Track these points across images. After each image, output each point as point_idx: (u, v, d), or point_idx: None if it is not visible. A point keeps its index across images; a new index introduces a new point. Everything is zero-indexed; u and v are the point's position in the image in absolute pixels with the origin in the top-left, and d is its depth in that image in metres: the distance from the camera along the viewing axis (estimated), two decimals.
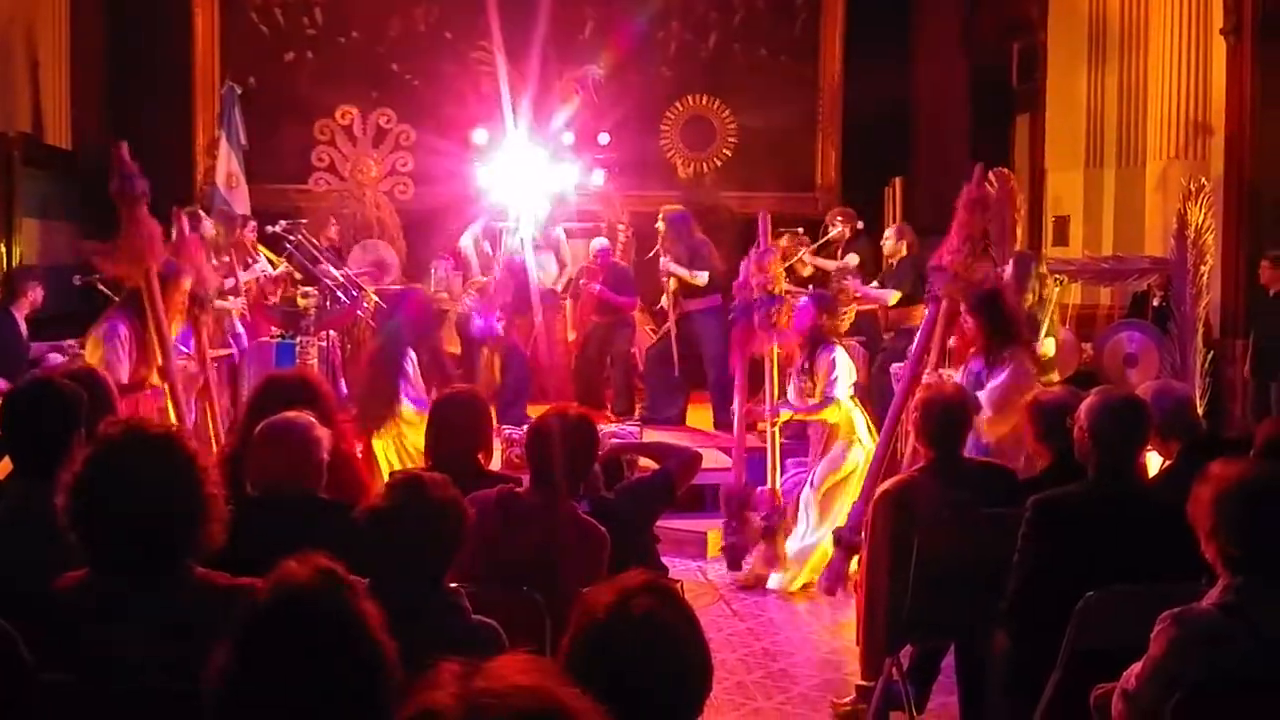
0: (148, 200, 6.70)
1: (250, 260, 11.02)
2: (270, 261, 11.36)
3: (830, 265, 11.06)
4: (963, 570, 4.85)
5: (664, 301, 11.15)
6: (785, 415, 7.88)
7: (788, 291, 9.85)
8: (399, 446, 6.64)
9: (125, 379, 6.35)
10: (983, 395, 6.51)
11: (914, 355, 7.20)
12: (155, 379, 6.57)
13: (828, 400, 7.66)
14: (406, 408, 6.77)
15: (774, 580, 7.77)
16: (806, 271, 11.26)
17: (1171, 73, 11.61)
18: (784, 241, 10.92)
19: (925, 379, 6.77)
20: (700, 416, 11.22)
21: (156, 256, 6.53)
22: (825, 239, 11.42)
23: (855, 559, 6.89)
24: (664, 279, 10.99)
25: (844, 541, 7.01)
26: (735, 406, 8.12)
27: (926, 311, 7.24)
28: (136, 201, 6.51)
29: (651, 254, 11.32)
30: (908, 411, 6.85)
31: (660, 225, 10.93)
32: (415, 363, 6.98)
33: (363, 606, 2.29)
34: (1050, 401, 5.14)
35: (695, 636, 2.32)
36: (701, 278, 10.72)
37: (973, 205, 6.99)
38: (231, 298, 9.94)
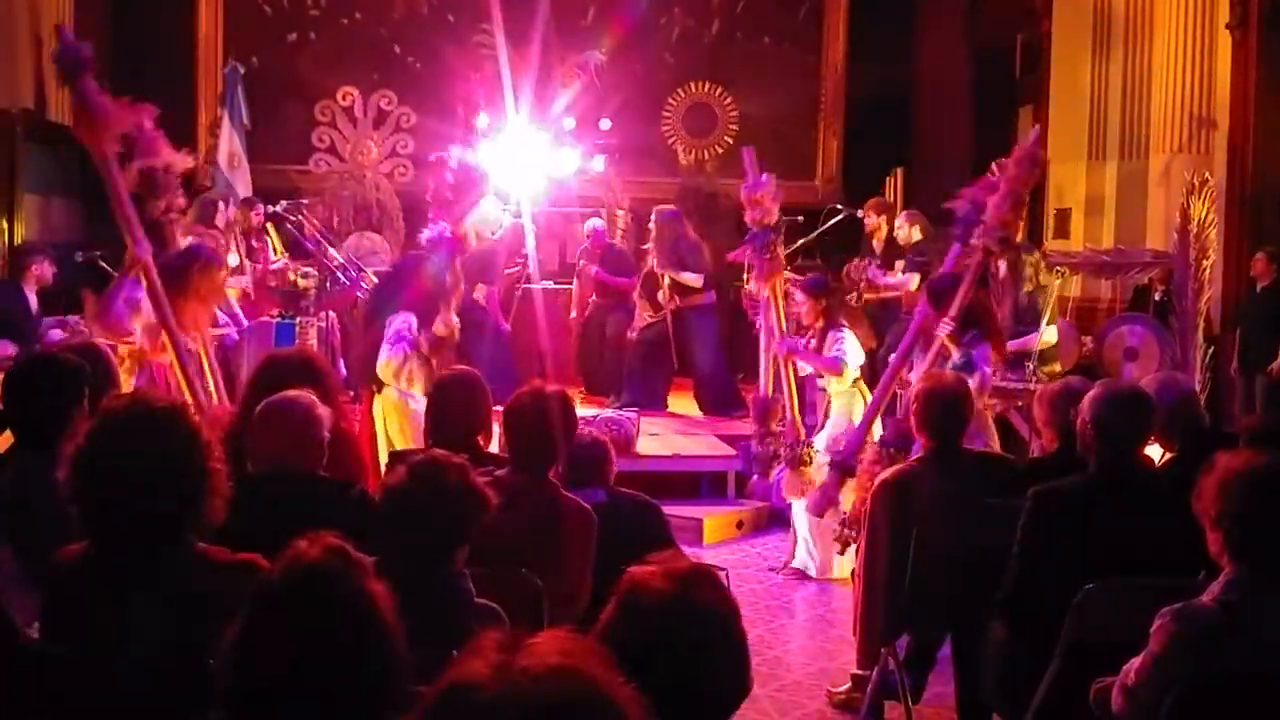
0: (93, 70, 6.41)
1: (258, 244, 11.02)
2: (273, 248, 11.35)
3: (895, 279, 10.80)
4: (961, 560, 4.85)
5: (660, 297, 11.14)
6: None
7: (787, 280, 9.88)
8: (396, 406, 6.56)
9: (136, 340, 6.27)
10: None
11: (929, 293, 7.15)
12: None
13: (838, 361, 7.59)
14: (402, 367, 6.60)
15: (811, 568, 7.77)
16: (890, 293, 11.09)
17: (1176, 66, 11.59)
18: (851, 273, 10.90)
19: (940, 329, 6.79)
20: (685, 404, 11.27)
21: (111, 128, 6.32)
22: (829, 224, 11.40)
23: (847, 484, 6.93)
24: (660, 275, 11.00)
25: (838, 465, 7.02)
26: (761, 335, 8.09)
27: (952, 252, 7.16)
28: (83, 70, 6.28)
29: (646, 246, 11.31)
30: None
31: (652, 227, 10.96)
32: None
33: (372, 586, 2.30)
34: (1060, 390, 5.17)
35: (742, 631, 2.33)
36: (695, 280, 10.76)
37: (1024, 161, 6.94)
38: (234, 277, 9.93)
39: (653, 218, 11.05)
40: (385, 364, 6.45)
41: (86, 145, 6.30)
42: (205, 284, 6.54)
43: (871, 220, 11.16)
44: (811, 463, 7.59)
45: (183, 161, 6.79)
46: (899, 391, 7.09)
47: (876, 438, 6.97)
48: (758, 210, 7.87)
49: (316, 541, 2.32)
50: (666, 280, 10.94)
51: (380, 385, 6.65)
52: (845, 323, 7.92)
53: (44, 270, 9.46)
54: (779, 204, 8.14)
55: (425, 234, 7.14)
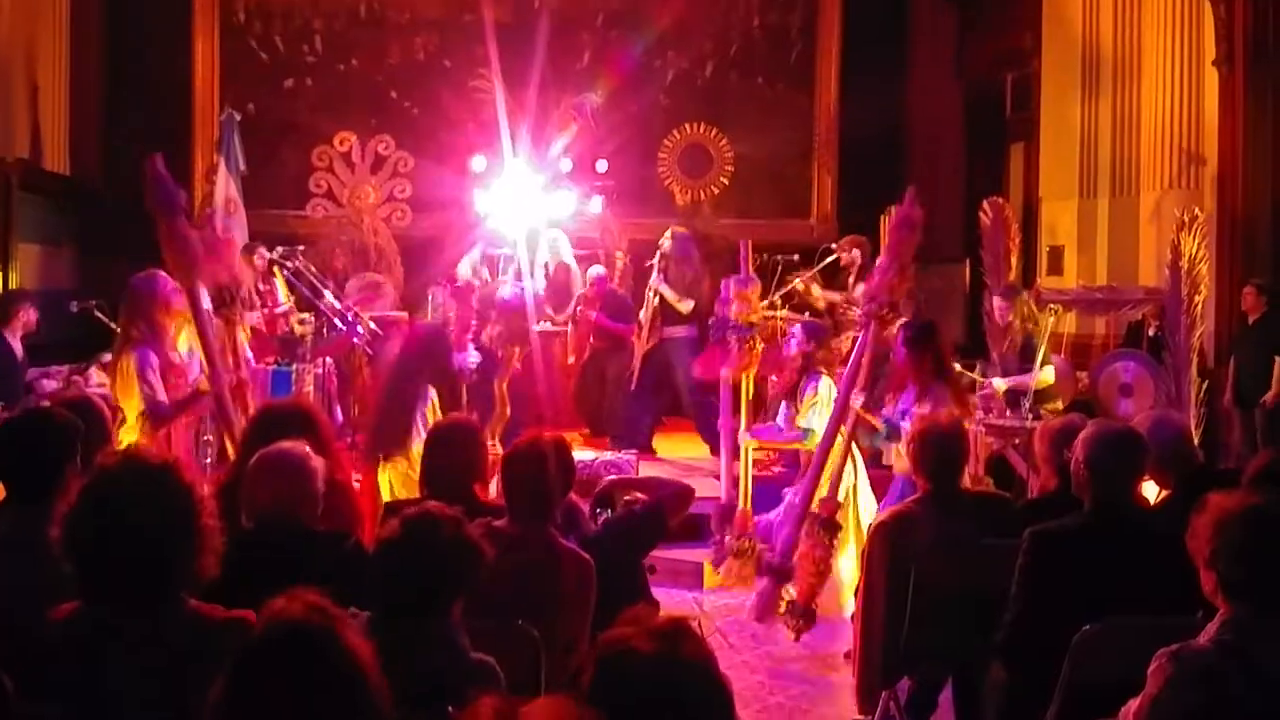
0: (187, 213, 6.57)
1: (264, 287, 11.05)
2: (281, 292, 11.38)
3: (837, 297, 11.02)
4: (960, 602, 4.85)
5: (642, 315, 11.16)
6: (751, 443, 7.87)
7: (786, 319, 9.91)
8: (405, 479, 6.58)
9: (166, 404, 6.30)
10: (906, 424, 6.61)
11: (845, 379, 7.20)
12: (203, 385, 6.46)
13: (802, 436, 7.65)
14: (419, 446, 6.66)
15: None
16: (820, 304, 11.23)
17: (1164, 103, 11.67)
18: (799, 285, 10.95)
19: (852, 401, 6.92)
20: (682, 445, 11.23)
21: (200, 268, 6.41)
22: (824, 264, 11.43)
23: (785, 588, 6.94)
24: (649, 294, 11.02)
25: (774, 569, 7.00)
26: (721, 427, 8.11)
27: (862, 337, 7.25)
28: (176, 214, 6.40)
29: (647, 265, 11.33)
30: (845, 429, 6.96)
31: (664, 243, 10.95)
32: (434, 400, 6.90)
33: (354, 643, 2.29)
34: (1060, 426, 5.19)
35: (724, 678, 2.33)
36: (687, 305, 10.76)
37: (902, 226, 7.01)
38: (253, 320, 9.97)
39: (668, 234, 11.07)
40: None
41: (181, 284, 6.36)
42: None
43: (846, 256, 11.19)
44: (752, 554, 7.63)
45: (250, 277, 6.98)
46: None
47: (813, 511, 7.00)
48: (744, 305, 7.86)
49: (296, 598, 2.32)
50: (655, 299, 10.94)
51: (388, 456, 6.65)
52: (823, 370, 7.95)
53: (29, 317, 9.40)
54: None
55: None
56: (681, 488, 5.20)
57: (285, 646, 2.23)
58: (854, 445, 7.63)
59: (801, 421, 7.75)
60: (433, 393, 6.68)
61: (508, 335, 9.94)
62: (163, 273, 6.57)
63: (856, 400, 6.93)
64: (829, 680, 6.76)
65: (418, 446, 6.55)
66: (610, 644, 2.28)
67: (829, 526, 6.79)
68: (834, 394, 7.68)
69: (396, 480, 6.53)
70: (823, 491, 7.03)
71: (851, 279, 11.15)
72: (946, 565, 5.00)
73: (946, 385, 6.91)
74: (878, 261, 7.05)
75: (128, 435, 6.08)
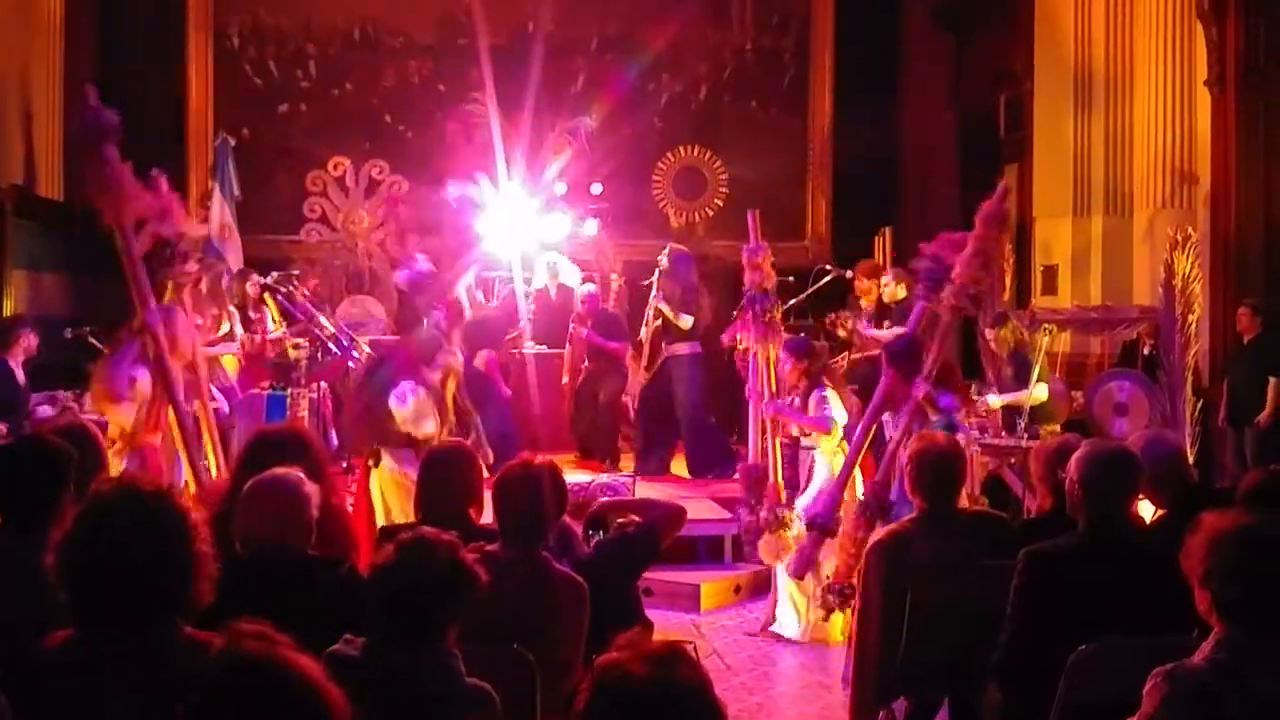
0: (118, 138, 6.37)
1: (256, 314, 11.07)
2: (272, 318, 11.39)
3: (883, 333, 10.90)
4: (957, 622, 4.84)
5: (642, 334, 11.18)
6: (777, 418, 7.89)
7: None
8: (393, 482, 6.58)
9: (129, 421, 6.27)
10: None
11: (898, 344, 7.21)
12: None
13: (825, 419, 7.62)
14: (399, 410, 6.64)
15: (792, 630, 7.73)
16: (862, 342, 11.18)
17: (1157, 123, 11.71)
18: (842, 332, 10.97)
19: (916, 390, 6.88)
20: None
21: (130, 200, 6.30)
22: (819, 285, 11.44)
23: (827, 546, 6.94)
24: (649, 313, 11.03)
25: (816, 525, 7.01)
26: (749, 395, 8.10)
27: (915, 310, 7.25)
28: (106, 137, 6.25)
29: (645, 283, 11.33)
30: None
31: (663, 260, 10.95)
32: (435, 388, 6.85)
33: (306, 667, 2.30)
34: (1055, 446, 5.19)
35: (718, 701, 2.34)
36: (686, 321, 10.76)
37: (990, 219, 7.00)
38: (223, 344, 9.96)
39: (666, 251, 11.07)
40: (400, 413, 6.51)
41: (102, 211, 6.26)
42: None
43: (862, 284, 11.18)
44: (791, 526, 7.60)
45: (197, 229, 6.83)
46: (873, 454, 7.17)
47: (857, 500, 7.00)
48: (757, 274, 7.91)
49: (238, 630, 2.33)
50: (657, 320, 10.95)
51: (377, 459, 6.65)
52: (828, 383, 7.95)
53: (30, 342, 9.41)
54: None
55: (401, 275, 7.19)
56: (674, 509, 5.21)
57: (237, 682, 2.23)
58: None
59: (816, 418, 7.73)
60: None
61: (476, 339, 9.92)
62: (180, 310, 6.57)
63: (919, 389, 6.89)
64: (827, 702, 6.75)
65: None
66: (606, 667, 2.28)
67: (874, 509, 6.76)
68: (841, 405, 7.70)
69: (386, 482, 6.54)
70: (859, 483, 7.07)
71: (865, 305, 11.13)
72: (943, 585, 4.99)
73: (955, 390, 6.94)
74: (960, 255, 7.00)
75: (113, 456, 6.06)
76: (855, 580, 6.83)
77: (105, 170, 6.19)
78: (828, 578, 6.99)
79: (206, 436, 6.66)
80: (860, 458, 7.26)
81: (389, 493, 6.65)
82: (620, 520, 5.16)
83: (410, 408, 6.53)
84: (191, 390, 6.67)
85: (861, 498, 6.98)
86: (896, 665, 5.09)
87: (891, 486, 6.88)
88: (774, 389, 7.97)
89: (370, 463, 6.66)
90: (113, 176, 6.20)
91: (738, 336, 8.37)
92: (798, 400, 7.86)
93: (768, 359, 7.96)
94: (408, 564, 3.21)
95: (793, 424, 7.95)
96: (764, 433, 8.03)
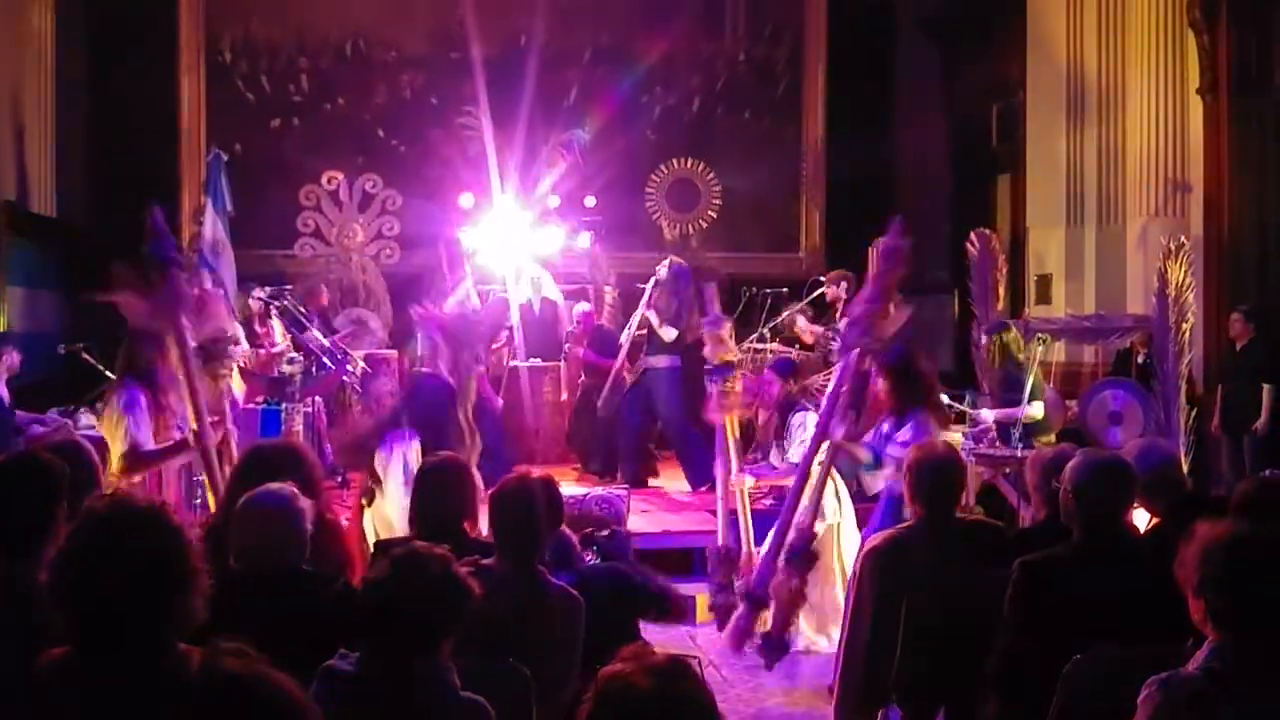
0: (180, 265, 6.53)
1: (261, 329, 11.07)
2: (278, 332, 11.39)
3: (820, 329, 11.04)
4: (954, 632, 4.83)
5: (623, 337, 11.16)
6: (749, 482, 7.83)
7: (775, 352, 9.91)
8: (384, 520, 6.56)
9: (150, 447, 6.27)
10: (891, 451, 6.58)
11: (824, 408, 7.13)
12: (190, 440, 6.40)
13: (796, 467, 7.60)
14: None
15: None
16: (807, 339, 11.25)
17: (1149, 132, 11.75)
18: (798, 323, 10.98)
19: (833, 430, 6.83)
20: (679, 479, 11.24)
21: (187, 318, 6.35)
22: (812, 297, 11.45)
23: (762, 617, 6.89)
24: (635, 318, 11.00)
25: (752, 597, 6.95)
26: (717, 469, 8.08)
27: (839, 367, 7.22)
28: (170, 264, 6.36)
29: (640, 287, 11.31)
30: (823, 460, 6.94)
31: (661, 270, 10.89)
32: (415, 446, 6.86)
33: (279, 681, 2.31)
34: (1050, 456, 5.19)
35: (721, 717, 2.36)
36: (669, 333, 10.71)
37: (889, 255, 6.99)
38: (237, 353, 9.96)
39: (665, 263, 11.03)
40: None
41: (163, 335, 6.26)
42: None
43: (832, 290, 11.19)
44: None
45: (235, 329, 6.91)
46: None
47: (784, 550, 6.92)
48: (719, 346, 7.85)
49: (218, 649, 2.33)
50: (641, 325, 10.94)
51: (371, 499, 6.63)
52: (807, 404, 7.94)
53: (13, 360, 9.39)
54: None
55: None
56: (680, 598, 5.18)
57: (215, 698, 2.24)
58: (838, 480, 7.61)
59: (792, 456, 7.73)
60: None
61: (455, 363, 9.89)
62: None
63: (838, 432, 6.87)
64: (824, 714, 6.72)
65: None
66: (610, 679, 2.29)
67: (805, 558, 6.74)
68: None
69: (380, 522, 6.52)
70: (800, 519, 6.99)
71: (838, 313, 11.16)
72: (940, 594, 4.98)
73: (928, 411, 6.88)
74: (860, 293, 7.03)
75: (109, 476, 6.06)
76: (789, 633, 6.85)
77: (169, 297, 6.24)
78: (765, 633, 6.91)
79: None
80: (795, 507, 7.12)
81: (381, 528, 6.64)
82: (604, 532, 5.14)
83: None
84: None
85: (789, 547, 6.90)
86: (887, 673, 5.08)
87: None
88: (732, 458, 7.86)
89: (365, 501, 6.63)
90: (176, 301, 6.27)
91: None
92: (775, 417, 7.87)
93: (731, 427, 7.88)
94: (401, 577, 3.21)
95: (770, 481, 7.96)
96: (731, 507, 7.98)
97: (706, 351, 7.88)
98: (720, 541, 7.96)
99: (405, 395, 7.19)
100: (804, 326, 11.20)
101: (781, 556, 6.82)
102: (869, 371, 6.98)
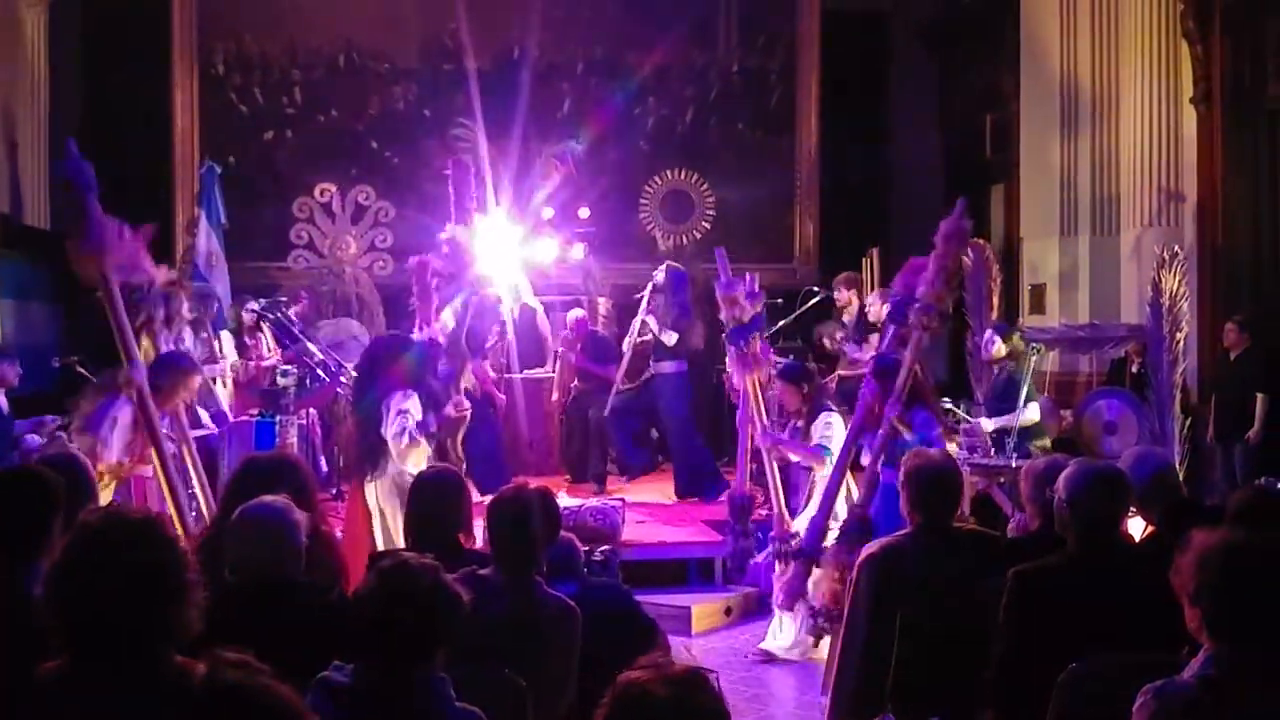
0: (98, 192, 6.32)
1: (251, 341, 11.06)
2: (267, 345, 11.39)
3: (860, 352, 10.93)
4: (950, 640, 4.83)
5: (625, 344, 11.18)
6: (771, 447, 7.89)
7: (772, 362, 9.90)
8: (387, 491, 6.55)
9: (114, 459, 6.26)
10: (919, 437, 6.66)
11: (873, 370, 7.23)
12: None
13: (820, 451, 7.62)
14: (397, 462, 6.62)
15: (784, 644, 7.70)
16: (832, 349, 11.27)
17: (1143, 142, 11.77)
18: (828, 343, 11.01)
19: (889, 410, 6.90)
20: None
21: (115, 254, 6.28)
22: (807, 305, 11.47)
23: (814, 574, 6.93)
24: (635, 325, 11.03)
25: (803, 555, 6.99)
26: (738, 421, 8.13)
27: (888, 334, 7.25)
28: (87, 190, 6.20)
29: (636, 296, 11.33)
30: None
31: (659, 276, 10.92)
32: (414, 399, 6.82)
33: (281, 692, 2.31)
34: (1044, 466, 5.20)
35: None
36: (670, 337, 10.74)
37: (951, 238, 7.02)
38: (206, 367, 9.94)
39: (662, 268, 11.06)
40: (394, 445, 6.49)
41: (83, 267, 6.23)
42: (182, 390, 6.64)
43: (842, 295, 11.22)
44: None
45: (164, 276, 6.85)
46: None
47: (838, 525, 6.99)
48: (734, 308, 7.91)
49: (219, 658, 2.33)
50: (643, 334, 10.94)
51: (373, 473, 6.62)
52: (831, 405, 7.95)
53: (7, 373, 9.37)
54: (760, 300, 8.19)
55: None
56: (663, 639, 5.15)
57: (218, 709, 2.24)
58: (850, 477, 7.63)
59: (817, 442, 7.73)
60: (416, 403, 6.64)
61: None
62: (188, 355, 6.56)
63: (892, 409, 6.91)
64: None
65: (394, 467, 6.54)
66: (628, 685, 2.32)
67: (857, 532, 6.76)
68: (841, 425, 7.68)
69: (383, 496, 6.52)
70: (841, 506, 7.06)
71: (846, 319, 11.17)
72: (935, 602, 4.98)
73: (929, 409, 6.95)
74: (924, 274, 7.04)
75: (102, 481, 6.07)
76: (837, 604, 6.87)
77: (89, 226, 6.17)
78: (815, 608, 6.96)
79: (193, 473, 6.67)
80: (844, 480, 7.25)
81: (388, 511, 6.62)
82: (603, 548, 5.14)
83: (401, 443, 6.50)
84: (175, 428, 6.71)
85: (843, 524, 6.97)
86: (881, 681, 5.08)
87: (870, 507, 6.91)
88: (764, 418, 7.96)
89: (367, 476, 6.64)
90: (98, 232, 6.18)
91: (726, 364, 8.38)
92: (801, 424, 7.87)
93: (754, 388, 7.95)
94: (389, 588, 3.21)
95: (790, 455, 7.95)
96: (758, 462, 8.03)
97: (722, 314, 7.95)
98: (739, 486, 8.05)
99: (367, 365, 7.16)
100: (838, 339, 11.19)
101: (832, 535, 6.88)
102: (919, 342, 7.03)
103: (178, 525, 6.02)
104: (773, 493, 7.84)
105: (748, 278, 8.25)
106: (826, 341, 11.30)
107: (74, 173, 6.22)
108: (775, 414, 8.35)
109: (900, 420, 6.89)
